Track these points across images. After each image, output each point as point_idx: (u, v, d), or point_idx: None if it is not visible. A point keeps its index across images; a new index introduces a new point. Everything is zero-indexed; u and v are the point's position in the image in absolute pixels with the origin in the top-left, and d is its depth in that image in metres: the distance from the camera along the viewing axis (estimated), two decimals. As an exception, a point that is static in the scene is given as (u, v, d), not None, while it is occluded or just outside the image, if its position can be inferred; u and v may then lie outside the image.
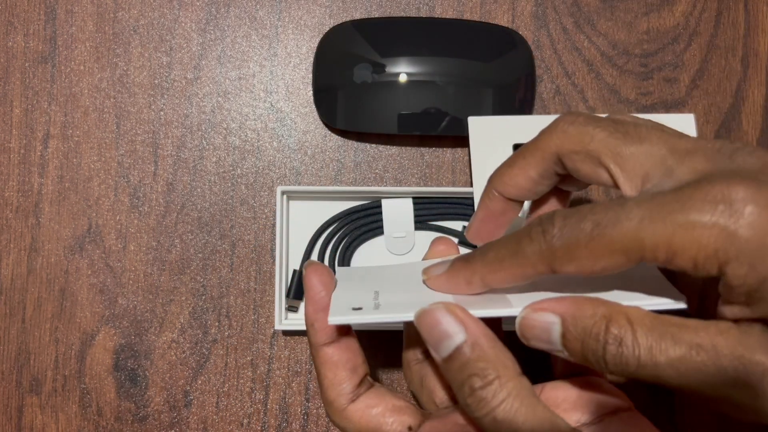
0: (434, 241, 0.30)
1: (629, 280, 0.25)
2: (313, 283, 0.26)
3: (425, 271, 0.27)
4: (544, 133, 0.26)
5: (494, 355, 0.23)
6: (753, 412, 0.21)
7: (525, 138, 0.38)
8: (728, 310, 0.21)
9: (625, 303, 0.23)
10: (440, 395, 0.27)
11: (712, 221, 0.20)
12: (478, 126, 0.38)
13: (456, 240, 0.37)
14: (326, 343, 0.26)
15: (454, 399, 0.26)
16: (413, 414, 0.26)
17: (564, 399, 0.25)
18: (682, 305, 0.24)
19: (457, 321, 0.23)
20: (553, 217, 0.22)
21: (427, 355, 0.27)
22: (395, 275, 0.29)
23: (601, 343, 0.22)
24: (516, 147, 0.39)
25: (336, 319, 0.25)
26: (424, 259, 0.30)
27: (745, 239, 0.19)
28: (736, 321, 0.21)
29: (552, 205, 0.29)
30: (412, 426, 0.25)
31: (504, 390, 0.22)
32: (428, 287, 0.27)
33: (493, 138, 0.38)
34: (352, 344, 0.27)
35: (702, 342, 0.21)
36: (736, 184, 0.20)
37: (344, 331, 0.27)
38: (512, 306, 0.25)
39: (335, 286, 0.27)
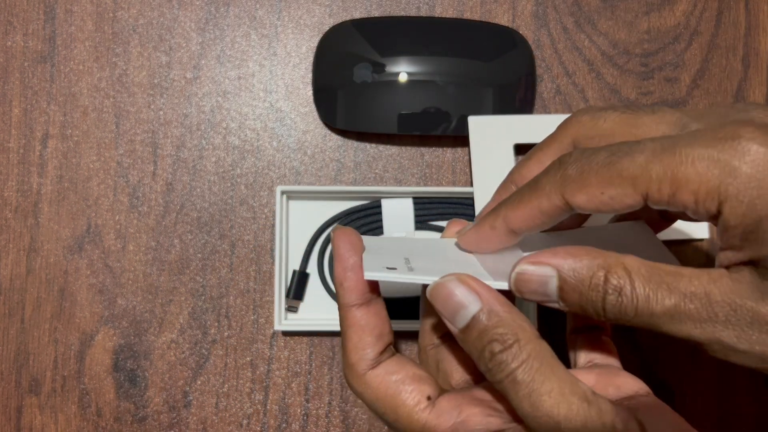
0: (450, 223, 0.30)
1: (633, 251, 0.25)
2: (342, 242, 0.26)
3: (458, 233, 0.28)
4: (560, 126, 0.27)
5: (511, 319, 0.23)
6: (744, 355, 0.21)
7: (525, 137, 0.38)
8: (723, 256, 0.22)
9: None
10: (456, 377, 0.27)
11: (717, 156, 0.20)
12: (479, 125, 0.38)
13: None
14: (355, 304, 0.26)
15: (470, 379, 0.26)
16: (433, 384, 0.26)
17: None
18: None
19: (470, 290, 0.23)
20: (571, 152, 0.23)
21: (444, 338, 0.27)
22: (422, 247, 0.29)
23: (600, 293, 0.22)
24: (517, 147, 0.38)
25: (371, 274, 0.25)
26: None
27: (747, 176, 0.20)
28: (729, 267, 0.21)
29: None
30: (431, 395, 0.25)
31: (524, 352, 0.22)
32: (458, 248, 0.28)
33: (494, 137, 0.38)
34: (380, 310, 0.26)
35: (695, 290, 0.21)
36: (745, 126, 0.20)
37: (374, 293, 0.26)
38: None
39: (364, 250, 0.26)
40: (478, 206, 0.31)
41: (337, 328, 0.38)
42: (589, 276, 0.22)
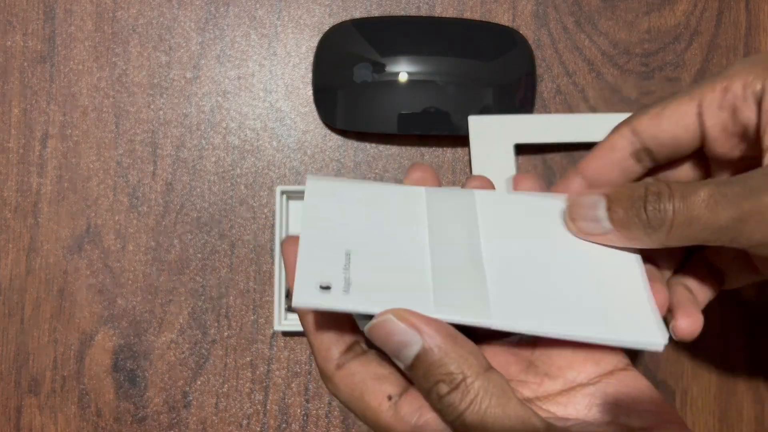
0: (412, 167, 0.28)
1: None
2: (290, 256, 0.25)
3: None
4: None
5: (457, 355, 0.22)
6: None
7: (526, 137, 0.38)
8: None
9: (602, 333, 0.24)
10: None
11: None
12: (479, 125, 0.38)
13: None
14: (309, 311, 0.25)
15: None
16: (395, 383, 0.25)
17: (559, 358, 0.25)
18: (658, 348, 0.24)
19: (410, 328, 0.22)
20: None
21: None
22: (374, 226, 0.27)
23: (642, 201, 0.24)
24: (517, 147, 0.38)
25: (302, 301, 0.24)
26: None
27: None
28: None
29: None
30: (392, 395, 0.24)
31: (471, 391, 0.22)
32: (410, 218, 0.27)
33: (494, 137, 0.38)
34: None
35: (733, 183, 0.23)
36: None
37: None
38: (490, 317, 0.24)
39: (301, 240, 0.25)
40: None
41: (337, 328, 0.38)
42: (632, 191, 0.25)
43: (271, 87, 0.40)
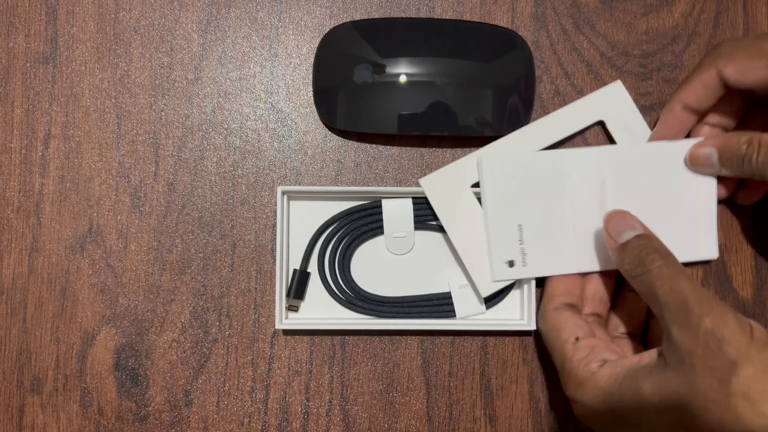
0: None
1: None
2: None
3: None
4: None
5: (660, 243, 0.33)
6: None
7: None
8: None
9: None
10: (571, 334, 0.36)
11: None
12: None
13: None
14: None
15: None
16: (586, 331, 0.35)
17: None
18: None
19: (637, 222, 0.35)
20: (724, 39, 0.39)
21: (558, 307, 0.37)
22: (535, 181, 0.37)
23: (743, 153, 0.34)
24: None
25: (497, 277, 0.38)
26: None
27: None
28: None
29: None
30: (580, 337, 0.35)
31: (671, 256, 0.32)
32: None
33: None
34: (576, 280, 0.38)
35: None
36: None
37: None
38: None
39: (489, 221, 0.38)
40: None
41: (337, 327, 0.39)
42: (736, 146, 0.34)
43: (272, 88, 0.41)
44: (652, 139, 0.39)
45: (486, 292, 0.38)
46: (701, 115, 0.38)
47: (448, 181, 0.38)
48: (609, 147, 0.38)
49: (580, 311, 0.38)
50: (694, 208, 0.38)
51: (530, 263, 0.37)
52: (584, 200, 0.37)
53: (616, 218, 0.35)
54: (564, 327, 0.35)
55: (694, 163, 0.37)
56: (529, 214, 0.37)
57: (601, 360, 0.33)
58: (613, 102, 0.39)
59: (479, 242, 0.38)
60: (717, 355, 0.27)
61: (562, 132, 0.39)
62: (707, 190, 0.38)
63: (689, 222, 0.38)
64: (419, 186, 0.38)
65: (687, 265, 0.39)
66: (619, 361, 0.32)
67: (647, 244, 0.33)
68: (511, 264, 0.37)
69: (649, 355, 0.31)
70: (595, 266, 0.38)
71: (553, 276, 0.38)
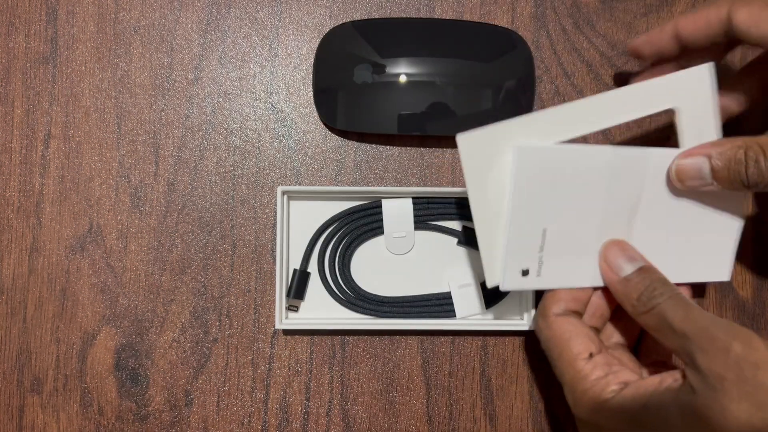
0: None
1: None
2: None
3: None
4: None
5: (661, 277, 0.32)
6: None
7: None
8: None
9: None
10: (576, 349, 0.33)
11: None
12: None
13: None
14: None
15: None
16: (598, 346, 0.33)
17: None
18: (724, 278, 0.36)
19: (637, 253, 0.33)
20: None
21: (559, 315, 0.34)
22: (568, 181, 0.32)
23: (742, 164, 0.30)
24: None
25: (507, 286, 0.33)
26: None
27: None
28: None
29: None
30: (594, 353, 0.32)
31: (677, 289, 0.31)
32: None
33: (488, 153, 0.32)
34: (586, 290, 0.35)
35: None
36: None
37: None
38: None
39: (511, 224, 0.32)
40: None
41: (337, 327, 0.39)
42: (733, 155, 0.30)
43: (272, 88, 0.41)
44: (632, 51, 0.36)
45: (492, 282, 0.33)
46: (682, 54, 0.35)
47: (489, 144, 0.31)
48: (660, 150, 0.33)
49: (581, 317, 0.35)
50: (718, 226, 0.34)
51: (545, 274, 0.33)
52: (618, 208, 0.33)
53: (615, 249, 0.33)
54: (574, 338, 0.32)
55: (680, 178, 0.32)
56: (557, 219, 0.32)
57: (622, 382, 0.31)
58: (693, 89, 0.33)
59: (501, 226, 0.32)
60: (753, 380, 0.26)
61: (621, 116, 0.32)
62: (736, 206, 0.34)
63: (708, 241, 0.35)
64: (424, 185, 0.37)
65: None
66: (641, 383, 0.31)
67: (651, 277, 0.31)
68: (525, 273, 0.33)
69: (672, 378, 0.30)
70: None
71: None
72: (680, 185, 0.32)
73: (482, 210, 0.32)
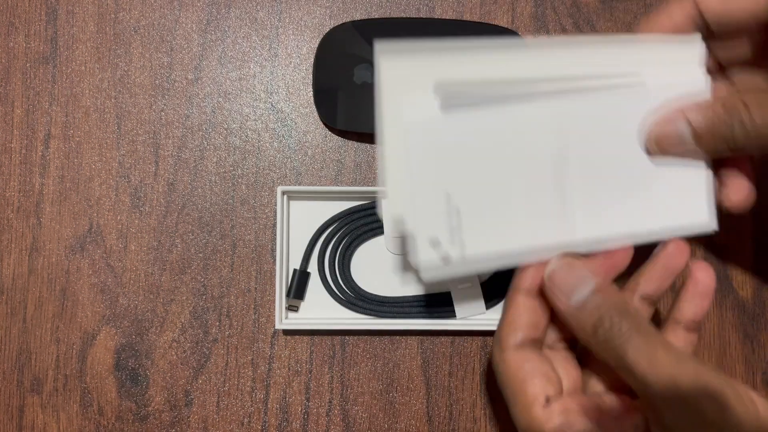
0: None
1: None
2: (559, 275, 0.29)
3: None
4: None
5: (618, 295, 0.27)
6: None
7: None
8: None
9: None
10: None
11: None
12: (391, 67, 0.28)
13: None
14: (524, 291, 0.29)
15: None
16: (557, 388, 0.29)
17: None
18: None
19: (585, 270, 0.28)
20: None
21: (522, 345, 0.30)
22: (480, 142, 0.28)
23: (728, 125, 0.26)
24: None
25: (428, 276, 0.28)
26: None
27: None
28: None
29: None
30: (550, 397, 0.28)
31: (635, 319, 0.26)
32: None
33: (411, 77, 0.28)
34: (542, 308, 0.30)
35: None
36: None
37: (542, 295, 0.30)
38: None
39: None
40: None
41: (337, 327, 0.39)
42: (714, 114, 0.27)
43: (272, 88, 0.41)
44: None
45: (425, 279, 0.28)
46: None
47: (413, 73, 0.27)
48: (572, 98, 0.28)
49: (542, 344, 0.31)
50: (680, 168, 0.29)
51: (469, 245, 0.28)
52: (537, 161, 0.28)
53: (563, 272, 0.28)
54: (530, 379, 0.28)
55: (661, 146, 0.28)
56: (465, 182, 0.28)
57: None
58: (673, 61, 0.29)
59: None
60: None
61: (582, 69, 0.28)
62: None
63: (673, 184, 0.29)
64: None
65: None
66: None
67: (606, 301, 0.27)
68: (435, 243, 0.28)
69: (634, 430, 0.27)
70: (553, 237, 0.29)
71: (514, 304, 0.30)
72: (659, 152, 0.28)
73: (395, 137, 0.28)
